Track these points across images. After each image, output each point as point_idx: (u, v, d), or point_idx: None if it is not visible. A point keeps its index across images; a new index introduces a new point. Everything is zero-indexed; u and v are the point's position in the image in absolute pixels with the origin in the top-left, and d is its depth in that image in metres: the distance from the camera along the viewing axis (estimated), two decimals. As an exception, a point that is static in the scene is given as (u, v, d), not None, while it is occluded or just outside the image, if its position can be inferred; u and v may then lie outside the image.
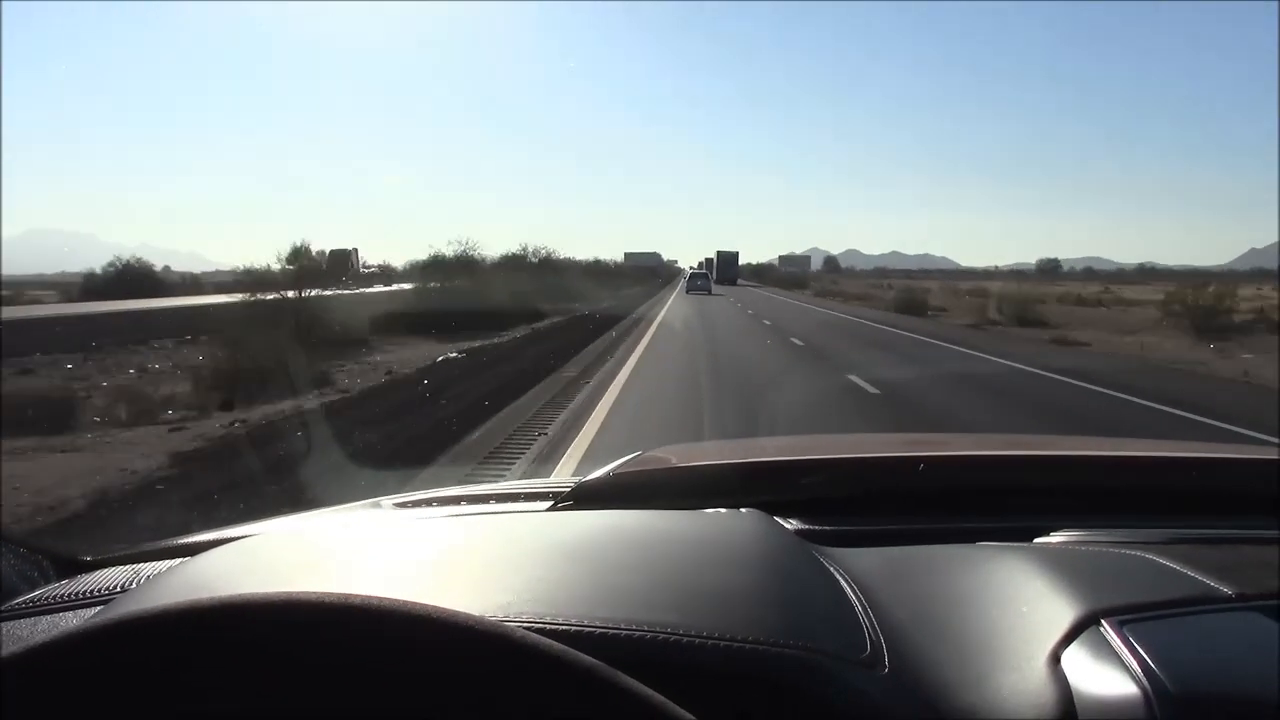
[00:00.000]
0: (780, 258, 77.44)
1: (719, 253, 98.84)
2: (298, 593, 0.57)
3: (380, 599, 0.56)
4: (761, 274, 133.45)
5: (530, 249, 40.76)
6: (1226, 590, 0.78)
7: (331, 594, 0.56)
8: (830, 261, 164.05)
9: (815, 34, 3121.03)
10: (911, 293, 39.38)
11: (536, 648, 0.53)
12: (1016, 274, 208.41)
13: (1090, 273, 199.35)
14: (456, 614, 0.55)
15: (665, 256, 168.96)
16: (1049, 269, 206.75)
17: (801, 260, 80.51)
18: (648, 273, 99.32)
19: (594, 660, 0.53)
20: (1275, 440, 7.34)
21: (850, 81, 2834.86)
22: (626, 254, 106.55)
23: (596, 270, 61.25)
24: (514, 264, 37.77)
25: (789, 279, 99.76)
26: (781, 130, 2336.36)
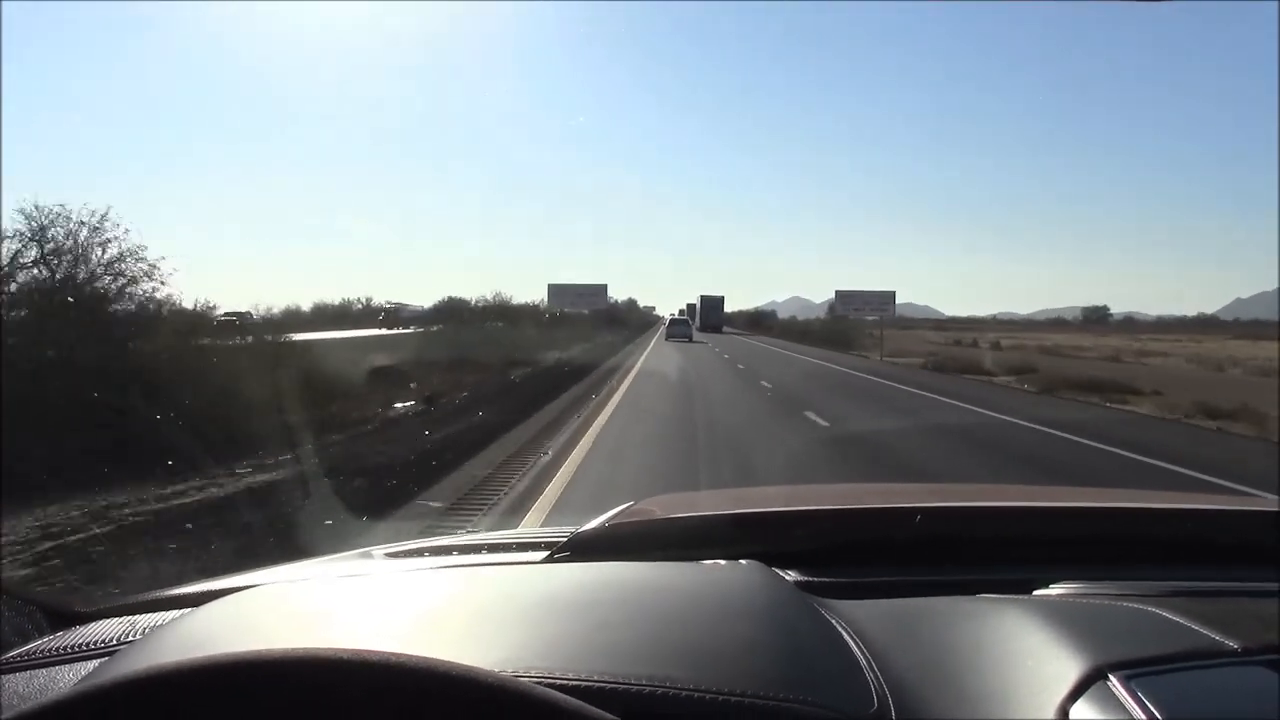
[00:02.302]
0: (838, 294, 46.06)
1: (702, 297, 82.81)
2: (313, 649, 0.58)
3: (397, 654, 0.57)
4: (758, 321, 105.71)
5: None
6: (1232, 644, 0.78)
7: (352, 650, 0.57)
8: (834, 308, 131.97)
9: (783, 77, 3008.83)
10: None
11: (549, 703, 0.55)
12: (1057, 322, 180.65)
13: (1130, 322, 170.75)
14: (474, 670, 0.57)
15: (641, 302, 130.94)
16: (1097, 318, 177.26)
17: (876, 299, 42.50)
18: (604, 321, 56.94)
19: (606, 714, 0.55)
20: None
21: (822, 130, 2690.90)
22: (551, 286, 50.67)
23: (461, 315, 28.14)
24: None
25: (819, 331, 60.73)
26: (755, 177, 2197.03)
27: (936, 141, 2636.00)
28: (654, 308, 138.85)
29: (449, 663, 0.57)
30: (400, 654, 0.57)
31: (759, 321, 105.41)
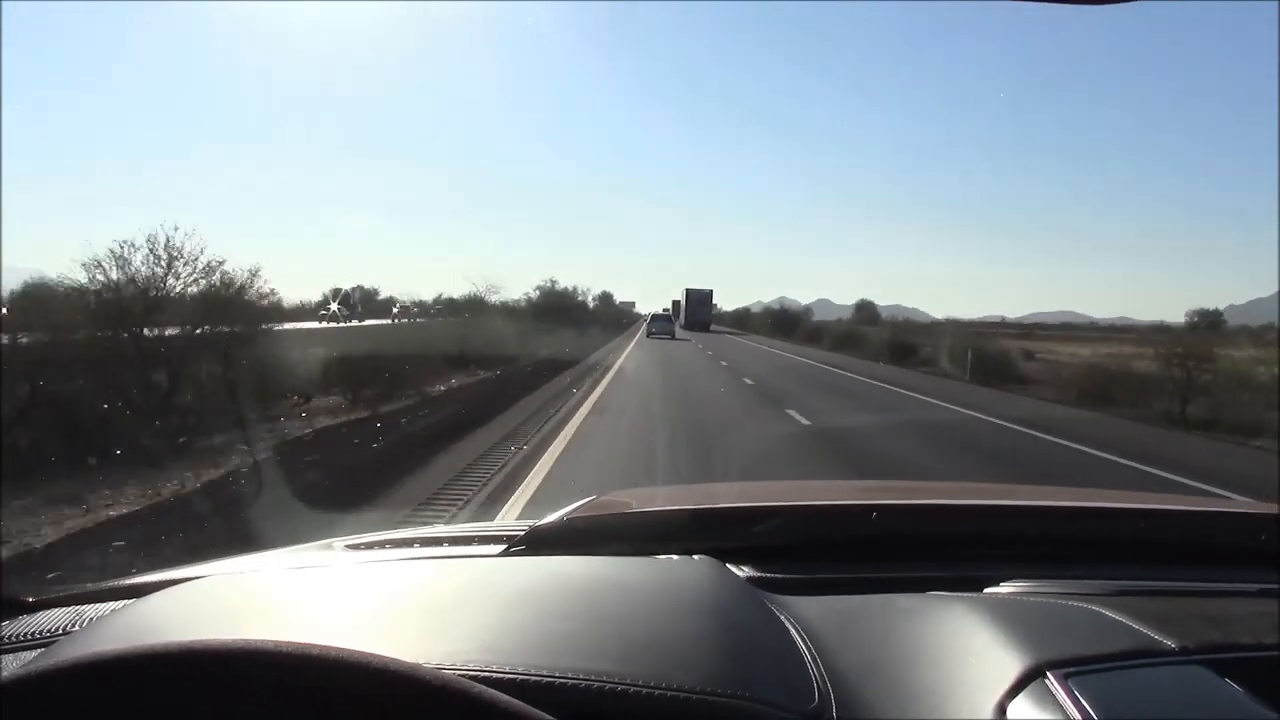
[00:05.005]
0: None
1: (688, 291, 74.73)
2: (240, 640, 0.58)
3: (315, 646, 0.57)
4: (786, 323, 72.68)
5: None
6: (1169, 644, 0.79)
7: (268, 641, 0.57)
8: (865, 307, 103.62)
9: (768, 71, 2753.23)
10: None
11: (465, 693, 0.55)
12: (1161, 330, 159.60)
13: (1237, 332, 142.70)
14: (386, 660, 0.57)
15: (618, 297, 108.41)
16: (1208, 324, 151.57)
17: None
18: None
19: (523, 705, 0.55)
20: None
21: (805, 132, 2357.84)
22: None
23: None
24: None
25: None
26: (741, 177, 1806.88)
27: (921, 142, 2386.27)
28: (634, 304, 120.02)
29: (349, 651, 0.56)
30: (300, 643, 0.57)
31: (786, 323, 71.60)
